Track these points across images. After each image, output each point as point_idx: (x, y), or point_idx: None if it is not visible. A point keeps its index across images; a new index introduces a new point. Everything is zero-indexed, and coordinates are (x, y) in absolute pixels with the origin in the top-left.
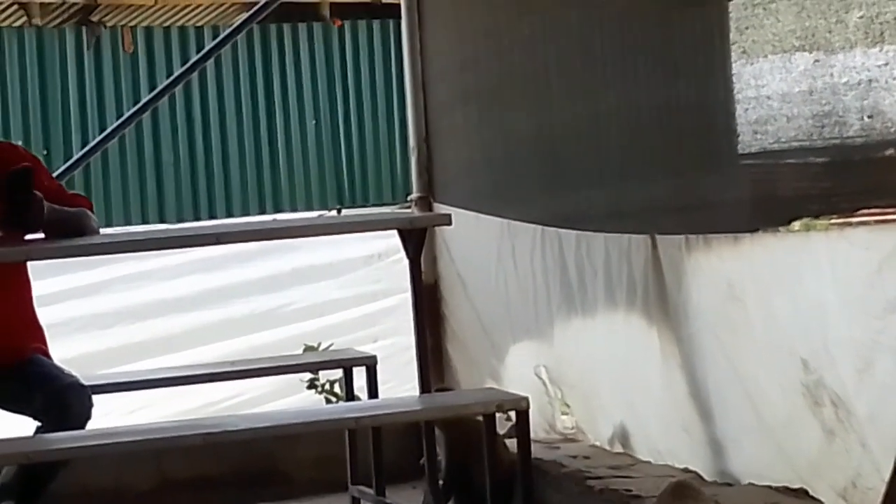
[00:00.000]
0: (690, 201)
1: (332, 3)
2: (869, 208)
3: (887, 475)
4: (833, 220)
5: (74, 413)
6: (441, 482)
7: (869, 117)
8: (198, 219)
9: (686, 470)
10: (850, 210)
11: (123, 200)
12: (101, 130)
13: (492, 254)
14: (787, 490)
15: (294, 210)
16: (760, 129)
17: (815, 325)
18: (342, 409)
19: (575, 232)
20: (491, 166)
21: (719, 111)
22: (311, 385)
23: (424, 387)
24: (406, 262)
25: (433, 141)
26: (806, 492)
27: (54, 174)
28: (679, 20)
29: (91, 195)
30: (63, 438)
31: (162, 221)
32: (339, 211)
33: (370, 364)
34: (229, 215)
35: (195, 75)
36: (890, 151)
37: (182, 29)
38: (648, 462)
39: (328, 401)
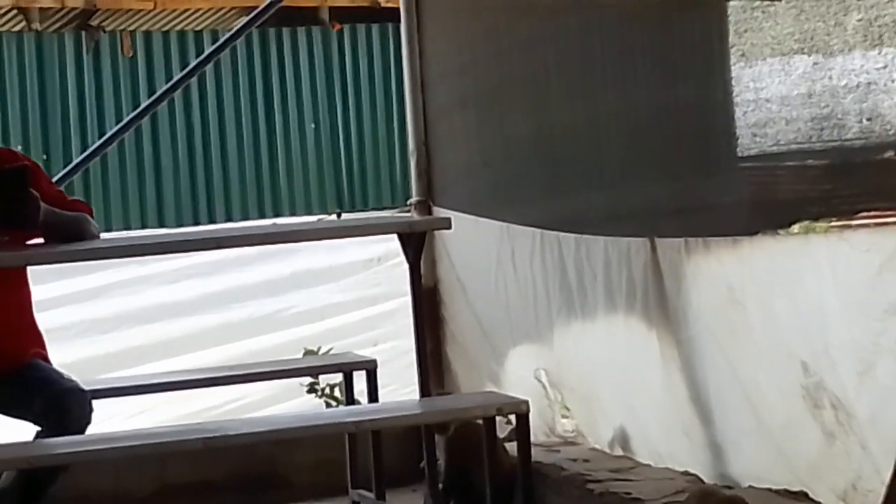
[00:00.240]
0: (690, 204)
1: (331, 7)
2: (868, 211)
3: (887, 477)
4: (833, 223)
5: (74, 418)
6: (441, 486)
7: (868, 120)
8: (197, 223)
9: (686, 473)
10: (849, 212)
11: (123, 205)
12: (101, 135)
13: (491, 257)
14: (787, 493)
15: (294, 214)
16: (759, 132)
17: (815, 328)
18: (342, 413)
19: (574, 235)
20: (490, 170)
21: (718, 114)
22: (311, 389)
23: (424, 390)
24: (406, 265)
25: (432, 144)
26: (806, 494)
27: (54, 179)
28: (678, 23)
29: (90, 200)
30: (63, 443)
31: (161, 226)
32: (338, 215)
33: (370, 368)
34: (229, 219)
35: (194, 80)
36: (889, 154)
37: (181, 33)
38: (649, 465)
39: (328, 405)
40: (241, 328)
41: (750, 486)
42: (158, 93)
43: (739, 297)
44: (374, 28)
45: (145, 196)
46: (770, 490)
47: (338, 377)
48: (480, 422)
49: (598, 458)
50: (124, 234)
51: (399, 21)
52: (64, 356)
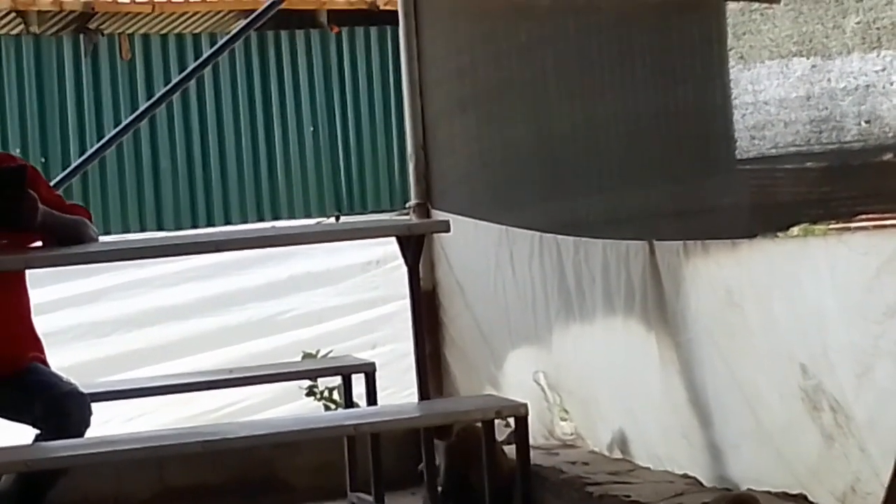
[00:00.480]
0: (688, 207)
1: (329, 10)
2: (867, 213)
3: (886, 480)
4: (831, 226)
5: (74, 421)
6: (440, 489)
7: (866, 122)
8: (196, 226)
9: (685, 476)
10: (848, 215)
11: (121, 208)
12: (99, 138)
13: (490, 260)
14: (786, 495)
15: (292, 217)
16: (758, 135)
17: (814, 331)
18: (341, 416)
19: (573, 238)
20: (489, 173)
21: (717, 117)
22: (310, 392)
23: (423, 393)
24: (404, 268)
25: (431, 147)
26: (805, 497)
27: (52, 182)
28: (676, 25)
29: (89, 203)
30: (62, 446)
31: (160, 229)
32: (337, 218)
33: (369, 371)
34: (227, 223)
35: (193, 83)
36: (888, 156)
37: (180, 36)
38: (648, 468)
39: (327, 408)
40: (240, 331)
41: (749, 489)
42: (157, 96)
43: (738, 300)
44: (373, 31)
45: (144, 199)
46: (769, 493)
47: (336, 380)
48: (479, 425)
49: (597, 461)
50: (123, 237)
51: (397, 24)
52: (62, 359)
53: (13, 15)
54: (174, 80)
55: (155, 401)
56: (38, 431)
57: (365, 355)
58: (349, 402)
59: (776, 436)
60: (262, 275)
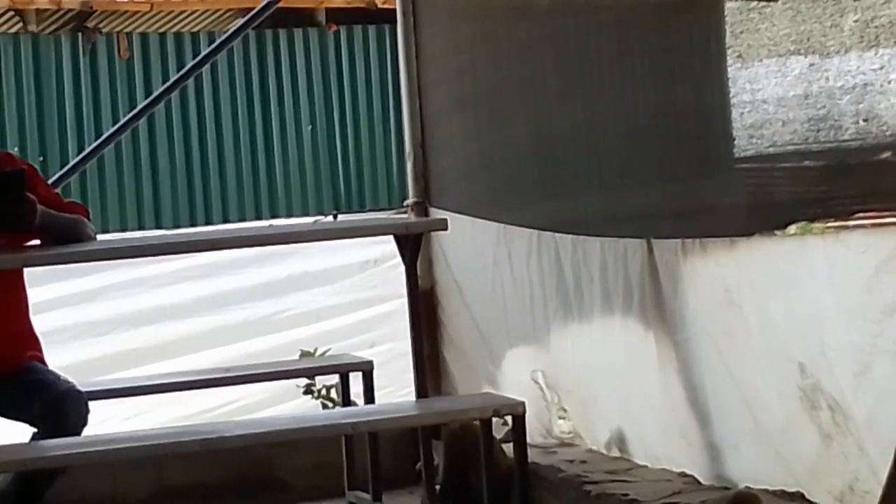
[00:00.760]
0: (686, 206)
1: (327, 9)
2: (865, 212)
3: (884, 478)
4: (829, 224)
5: (71, 420)
6: (438, 487)
7: (864, 121)
8: (194, 225)
9: (683, 474)
10: (846, 214)
11: (120, 207)
12: (97, 137)
13: (488, 259)
14: (783, 494)
15: (290, 216)
16: (756, 133)
17: (812, 330)
18: (339, 414)
19: (571, 237)
20: (487, 171)
21: (715, 115)
22: (308, 391)
23: (421, 392)
24: (402, 267)
25: (429, 146)
26: (802, 495)
27: (50, 181)
28: (675, 25)
29: (87, 202)
30: (60, 445)
31: (158, 228)
32: (335, 217)
33: (366, 370)
34: (226, 221)
35: (191, 81)
36: (886, 155)
37: (178, 35)
38: (645, 466)
39: (325, 406)
40: (238, 330)
41: (746, 488)
42: (155, 94)
43: (736, 299)
44: (371, 29)
45: (142, 198)
46: (766, 491)
47: (334, 379)
48: (477, 423)
49: (595, 460)
50: (121, 235)
51: (395, 22)
52: (60, 359)
53: (11, 13)
54: (172, 79)
55: (152, 400)
56: (35, 430)
57: (363, 354)
58: (347, 401)
59: (774, 435)
60: (259, 274)
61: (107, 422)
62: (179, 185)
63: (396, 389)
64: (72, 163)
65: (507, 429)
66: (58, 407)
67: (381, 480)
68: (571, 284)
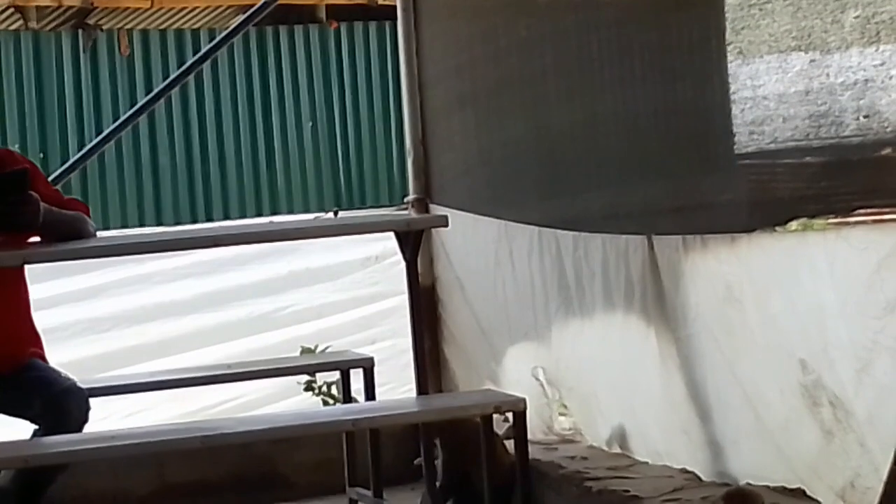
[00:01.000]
0: (687, 202)
1: (328, 6)
2: (866, 208)
3: (885, 475)
4: (830, 221)
5: (73, 417)
6: (439, 484)
7: (865, 117)
8: (195, 222)
9: (684, 471)
10: (847, 210)
11: (120, 204)
12: (98, 134)
13: (489, 256)
14: (784, 490)
15: (291, 212)
16: (757, 130)
17: (814, 326)
18: (339, 411)
19: (572, 233)
20: (488, 168)
21: (716, 112)
22: (309, 387)
23: (422, 389)
24: (403, 264)
25: (430, 143)
26: (803, 492)
27: (51, 178)
28: (675, 21)
29: (88, 199)
30: (61, 442)
31: (159, 225)
32: (336, 213)
33: (367, 366)
34: (226, 218)
35: (192, 78)
36: (887, 151)
37: (178, 32)
38: (647, 463)
39: (325, 403)
40: (239, 327)
41: (747, 484)
42: (155, 91)
43: (737, 295)
44: (372, 26)
45: (143, 195)
46: (767, 487)
47: (335, 375)
48: (478, 420)
49: (597, 456)
50: (122, 232)
51: (396, 19)
52: (61, 356)
53: (12, 10)
54: (173, 76)
55: (153, 397)
56: (36, 427)
57: (364, 351)
58: (348, 398)
59: (775, 431)
60: (260, 271)
61: (108, 418)
62: (180, 181)
63: (397, 386)
64: (72, 160)
65: (508, 425)
66: (59, 404)
67: (382, 477)
68: (572, 281)
